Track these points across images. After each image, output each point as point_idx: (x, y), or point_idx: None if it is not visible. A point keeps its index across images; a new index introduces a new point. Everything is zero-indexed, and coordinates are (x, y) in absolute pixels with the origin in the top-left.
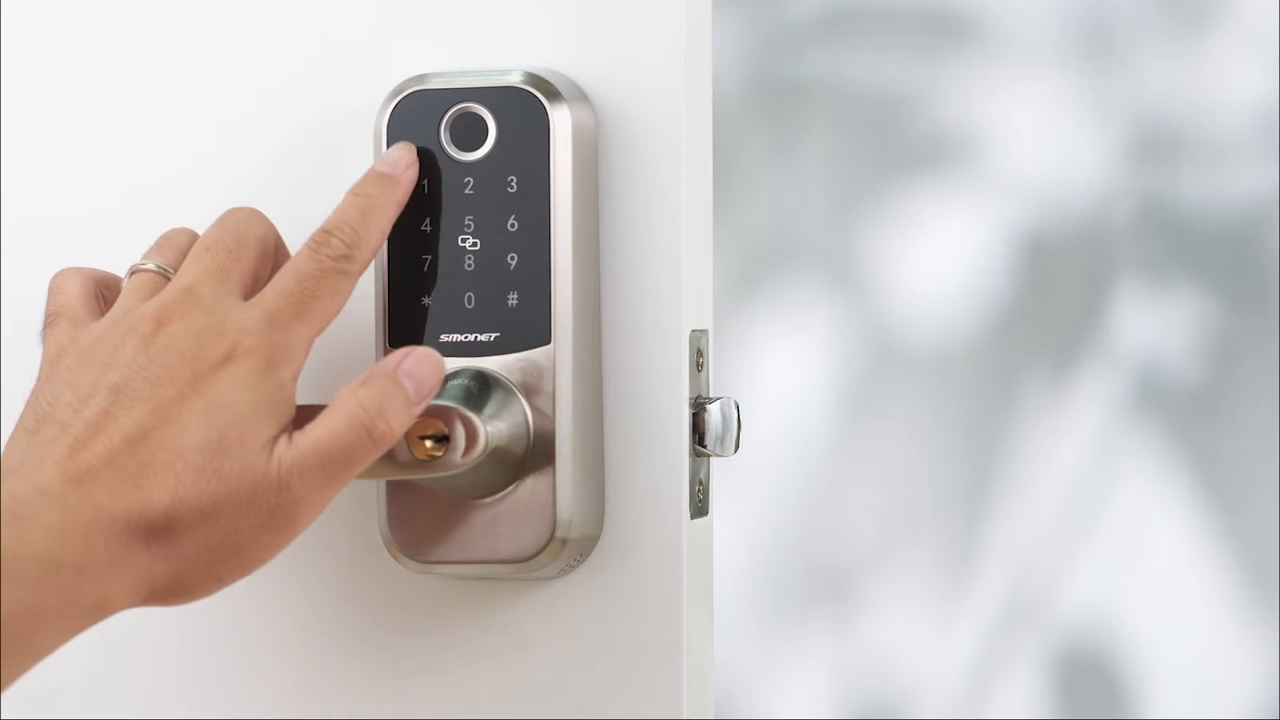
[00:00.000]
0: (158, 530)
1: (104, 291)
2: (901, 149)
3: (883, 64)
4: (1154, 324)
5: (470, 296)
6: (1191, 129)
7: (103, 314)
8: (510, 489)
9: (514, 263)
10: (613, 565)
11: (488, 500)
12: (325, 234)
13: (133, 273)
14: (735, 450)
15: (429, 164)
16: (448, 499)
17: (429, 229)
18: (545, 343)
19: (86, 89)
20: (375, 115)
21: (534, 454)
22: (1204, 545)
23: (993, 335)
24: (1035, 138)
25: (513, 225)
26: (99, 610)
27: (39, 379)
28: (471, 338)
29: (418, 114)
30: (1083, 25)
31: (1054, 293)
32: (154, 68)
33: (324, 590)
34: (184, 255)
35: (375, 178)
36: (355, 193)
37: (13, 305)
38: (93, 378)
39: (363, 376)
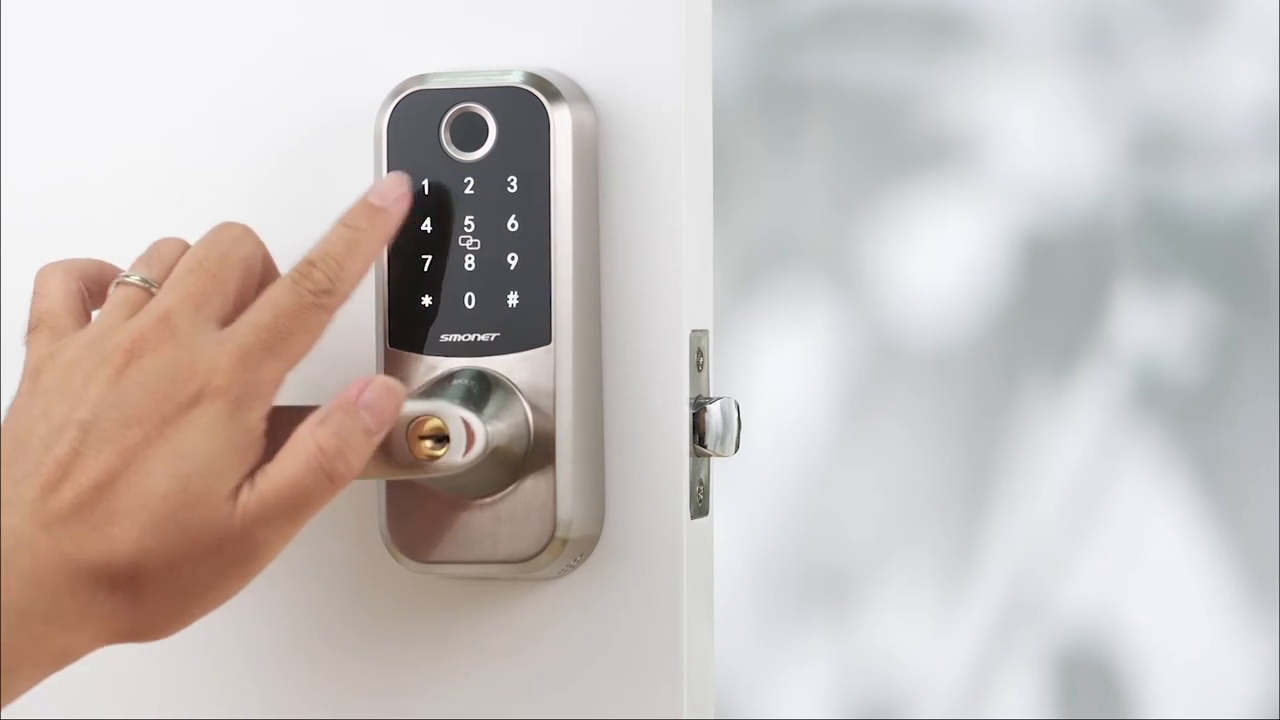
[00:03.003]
0: (122, 580)
1: (90, 286)
2: (901, 149)
3: (883, 64)
4: (1154, 324)
5: (470, 296)
6: (1191, 129)
7: (88, 315)
8: (510, 489)
9: (514, 263)
10: (613, 565)
11: (488, 500)
12: (309, 265)
13: (117, 285)
14: (735, 450)
15: (429, 164)
16: (448, 499)
17: (429, 229)
18: (545, 343)
19: (87, 91)
20: (375, 115)
21: (534, 454)
22: (1204, 545)
23: (993, 335)
24: (1035, 138)
25: (513, 225)
26: (64, 657)
27: (20, 393)
28: (471, 338)
29: (418, 114)
30: (1083, 25)
31: (1054, 293)
32: (154, 69)
33: (323, 590)
34: (171, 268)
35: (366, 210)
36: (344, 224)
37: (13, 308)
38: (65, 410)
39: (320, 412)
